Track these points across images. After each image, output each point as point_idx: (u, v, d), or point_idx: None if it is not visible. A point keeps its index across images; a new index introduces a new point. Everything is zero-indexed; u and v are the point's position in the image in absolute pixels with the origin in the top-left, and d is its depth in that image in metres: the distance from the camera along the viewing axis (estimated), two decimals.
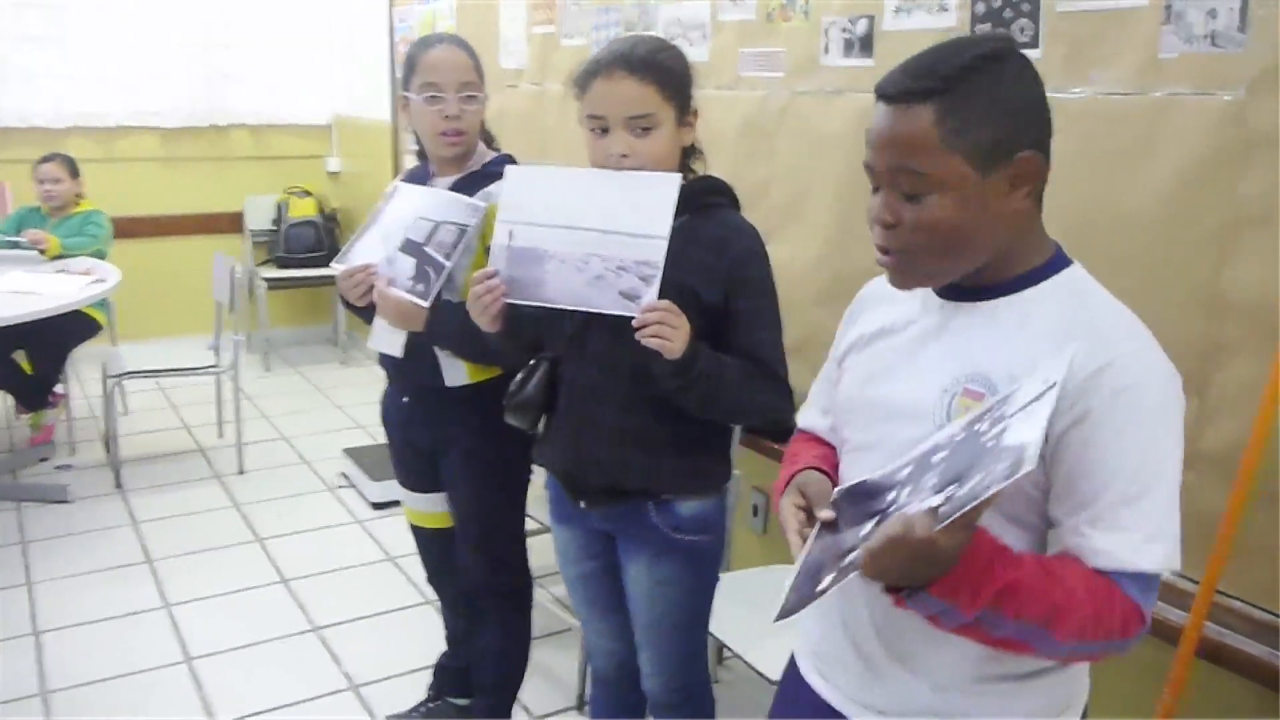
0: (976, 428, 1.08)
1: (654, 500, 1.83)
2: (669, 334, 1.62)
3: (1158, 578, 1.12)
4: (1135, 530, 1.09)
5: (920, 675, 1.23)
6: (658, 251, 1.64)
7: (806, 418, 1.51)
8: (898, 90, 1.14)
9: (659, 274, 1.64)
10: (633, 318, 1.64)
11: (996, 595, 1.05)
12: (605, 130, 1.72)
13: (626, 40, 1.77)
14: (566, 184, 1.78)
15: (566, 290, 1.72)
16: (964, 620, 1.07)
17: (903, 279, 1.22)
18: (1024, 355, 1.14)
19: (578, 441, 1.84)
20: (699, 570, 1.90)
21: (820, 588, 1.11)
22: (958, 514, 0.98)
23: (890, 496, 1.13)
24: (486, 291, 1.78)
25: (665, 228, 1.64)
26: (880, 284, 1.40)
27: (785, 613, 1.13)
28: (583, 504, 1.90)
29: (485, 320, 1.81)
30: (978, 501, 0.97)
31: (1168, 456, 1.11)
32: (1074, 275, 1.21)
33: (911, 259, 1.17)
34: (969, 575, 1.04)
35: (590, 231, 1.70)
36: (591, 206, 1.71)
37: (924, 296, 1.28)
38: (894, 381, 1.26)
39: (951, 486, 1.03)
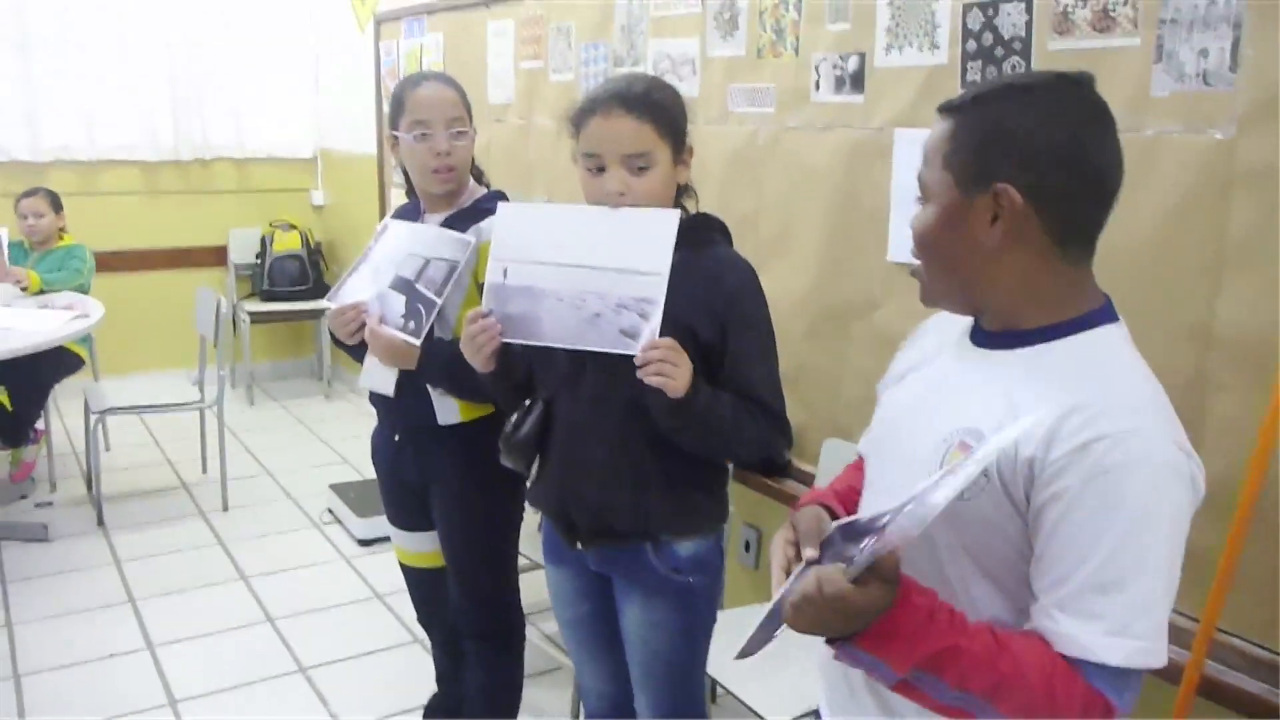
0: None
1: (651, 542, 1.81)
2: (671, 371, 1.61)
3: (1135, 674, 1.06)
4: (1101, 620, 1.04)
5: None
6: (658, 288, 1.63)
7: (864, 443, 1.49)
8: (944, 105, 1.18)
9: (660, 310, 1.63)
10: (633, 355, 1.63)
11: (932, 658, 1.03)
12: (601, 169, 1.71)
13: (623, 78, 1.77)
14: (561, 221, 1.77)
15: (564, 329, 1.71)
16: (895, 678, 1.06)
17: (920, 292, 1.24)
18: (1014, 416, 1.09)
19: (567, 482, 1.83)
20: (694, 611, 1.88)
21: (776, 631, 1.10)
22: (861, 568, 1.00)
23: (865, 541, 1.11)
24: (481, 331, 1.76)
25: (665, 264, 1.63)
26: (935, 319, 1.37)
27: (744, 653, 1.14)
28: (579, 546, 1.87)
29: (480, 360, 1.79)
30: (874, 558, 0.99)
31: (1149, 551, 1.04)
32: (1102, 334, 1.16)
33: (920, 271, 1.21)
34: (900, 632, 1.03)
35: (587, 269, 1.69)
36: (588, 243, 1.70)
37: (959, 337, 1.26)
38: (905, 427, 1.25)
39: (869, 539, 1.03)
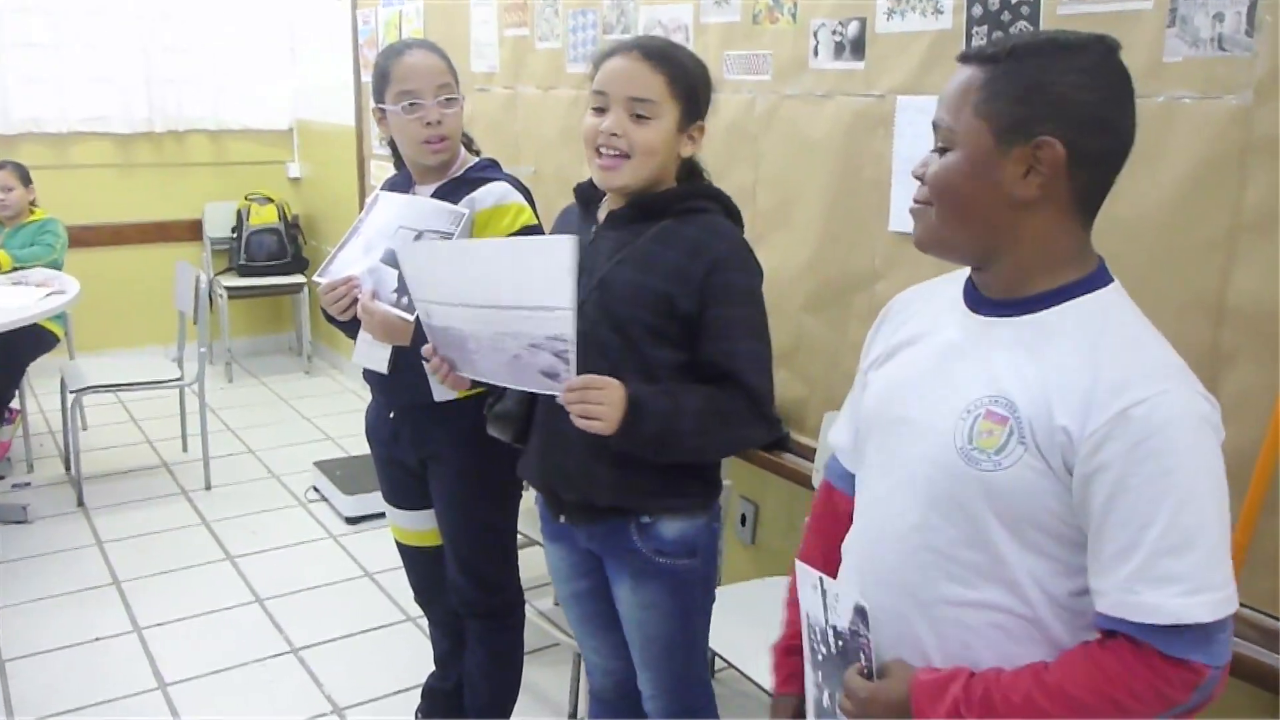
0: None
1: (634, 521, 1.77)
2: (596, 412, 1.55)
3: (1223, 624, 1.07)
4: (1181, 582, 1.04)
5: None
6: (566, 324, 1.49)
7: (834, 433, 1.47)
8: (970, 53, 1.16)
9: (573, 349, 1.51)
10: (610, 331, 1.61)
11: None
12: (604, 110, 1.67)
13: (654, 35, 1.74)
14: (461, 259, 1.67)
15: (495, 370, 1.64)
16: None
17: (919, 235, 1.22)
18: (1042, 383, 1.11)
19: (549, 454, 1.79)
20: (685, 595, 1.83)
21: None
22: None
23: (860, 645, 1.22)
24: (435, 371, 1.75)
25: (566, 297, 1.47)
26: (908, 295, 1.38)
27: None
28: (563, 519, 1.84)
29: (450, 384, 1.79)
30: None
31: (1207, 504, 1.06)
32: (1107, 297, 1.17)
33: (925, 215, 1.19)
34: None
35: (495, 309, 1.57)
36: (489, 281, 1.57)
37: (953, 308, 1.25)
38: (916, 399, 1.22)
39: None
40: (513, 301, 1.54)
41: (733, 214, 1.79)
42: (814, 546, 1.45)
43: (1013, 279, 1.17)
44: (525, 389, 1.62)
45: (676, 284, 1.66)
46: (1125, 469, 1.05)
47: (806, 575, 1.27)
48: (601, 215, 1.78)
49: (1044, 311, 1.15)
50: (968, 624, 1.16)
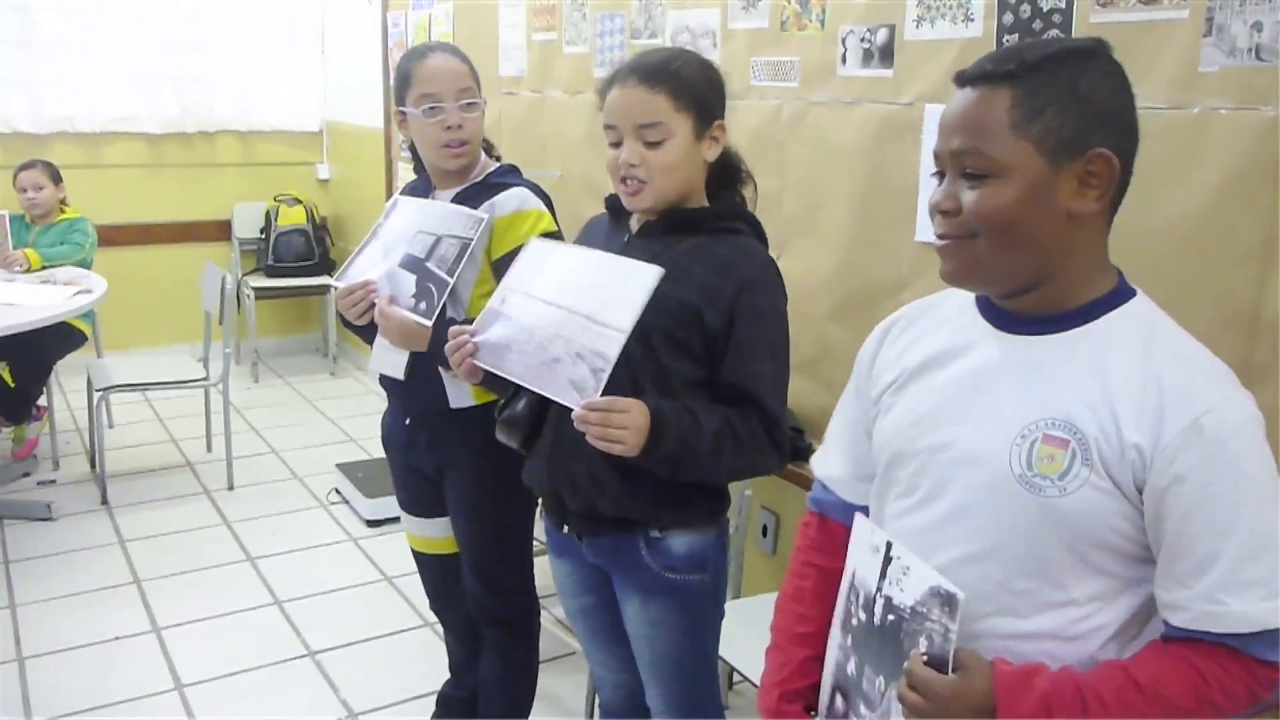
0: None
1: (643, 536, 1.74)
2: (616, 435, 1.54)
3: None
4: (1264, 586, 1.03)
5: None
6: (614, 344, 1.51)
7: (824, 464, 1.42)
8: (977, 73, 1.11)
9: (608, 370, 1.51)
10: (632, 340, 1.57)
11: None
12: (619, 143, 1.67)
13: (648, 50, 1.73)
14: (571, 261, 1.70)
15: (523, 367, 1.64)
16: None
17: (954, 268, 1.15)
18: (1105, 400, 1.08)
19: (557, 460, 1.76)
20: (694, 611, 1.81)
21: None
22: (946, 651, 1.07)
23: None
24: (456, 348, 1.73)
25: (628, 321, 1.51)
26: (911, 312, 1.33)
27: None
28: (566, 529, 1.82)
29: (462, 373, 1.76)
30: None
31: (1275, 501, 1.06)
32: (1142, 308, 1.14)
33: (967, 249, 1.12)
34: None
35: (565, 311, 1.60)
36: (577, 284, 1.61)
37: (974, 325, 1.21)
38: (956, 424, 1.17)
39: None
40: (583, 310, 1.57)
41: (761, 238, 1.77)
42: (807, 580, 1.39)
43: (1056, 296, 1.13)
44: (545, 393, 1.60)
45: (706, 299, 1.65)
46: (1203, 479, 1.04)
47: (870, 535, 1.21)
48: (634, 225, 1.77)
49: (1087, 325, 1.12)
50: (1018, 653, 1.12)
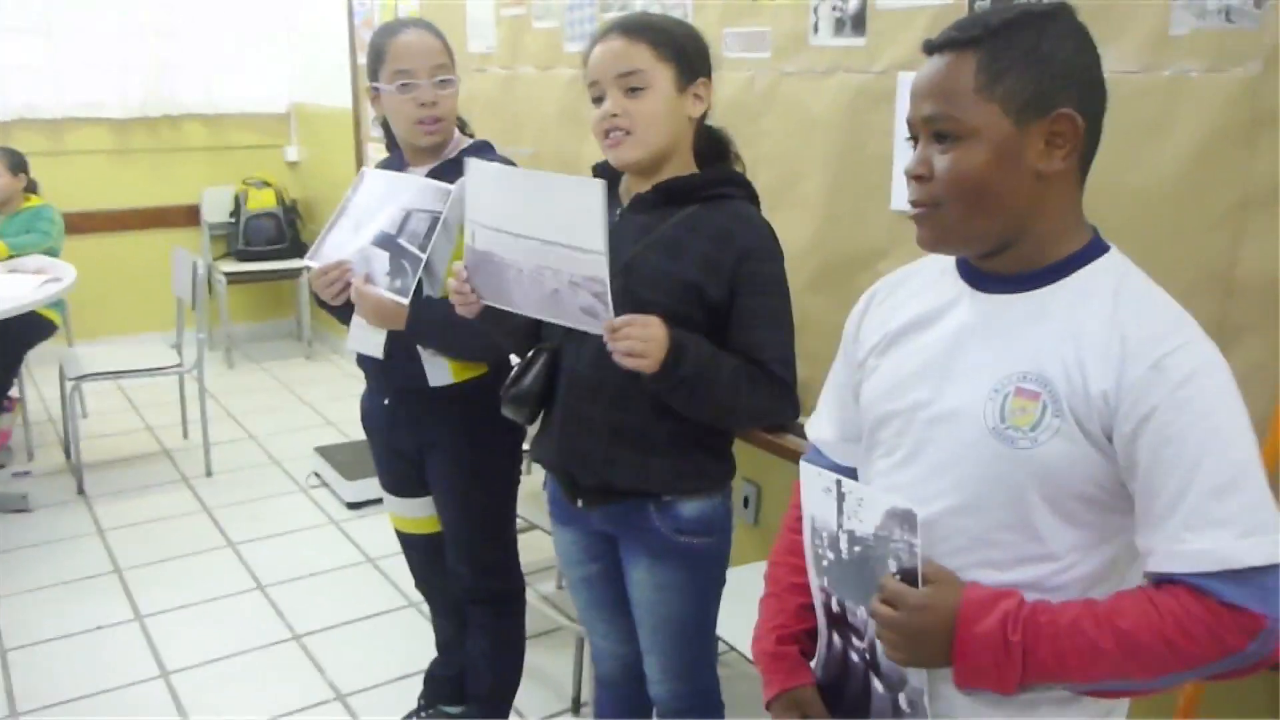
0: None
1: (654, 501, 1.76)
2: (639, 349, 1.53)
3: (1273, 573, 1.03)
4: (1231, 525, 1.03)
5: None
6: (599, 267, 1.48)
7: (816, 428, 1.45)
8: (943, 40, 1.14)
9: (608, 290, 1.50)
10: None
11: (1034, 677, 1.08)
12: (602, 99, 1.67)
13: (632, 13, 1.73)
14: (513, 185, 1.63)
15: (532, 301, 1.61)
16: (1011, 695, 1.11)
17: (930, 235, 1.18)
18: (1075, 352, 1.10)
19: (569, 436, 1.77)
20: (702, 573, 1.84)
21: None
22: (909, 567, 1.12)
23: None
24: (459, 295, 1.70)
25: (598, 240, 1.46)
26: (895, 278, 1.35)
27: None
28: (580, 503, 1.82)
29: (469, 314, 1.73)
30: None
31: (1246, 445, 1.06)
32: (1115, 261, 1.16)
33: (941, 214, 1.15)
34: (985, 671, 1.10)
35: (534, 241, 1.56)
36: (535, 212, 1.56)
37: (954, 287, 1.23)
38: (935, 383, 1.20)
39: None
40: (553, 237, 1.53)
41: (754, 200, 1.77)
42: (800, 535, 1.41)
43: (1030, 255, 1.16)
44: (565, 323, 1.59)
45: (706, 273, 1.65)
46: (1166, 417, 1.05)
47: (818, 478, 1.23)
48: (625, 198, 1.76)
49: (1061, 281, 1.15)
50: None
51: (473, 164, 1.67)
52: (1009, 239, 1.15)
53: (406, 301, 1.96)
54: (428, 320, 1.99)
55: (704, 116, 1.75)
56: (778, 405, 1.71)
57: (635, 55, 1.64)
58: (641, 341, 1.53)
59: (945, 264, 1.26)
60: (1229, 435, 1.05)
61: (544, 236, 1.54)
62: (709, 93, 1.71)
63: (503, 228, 1.60)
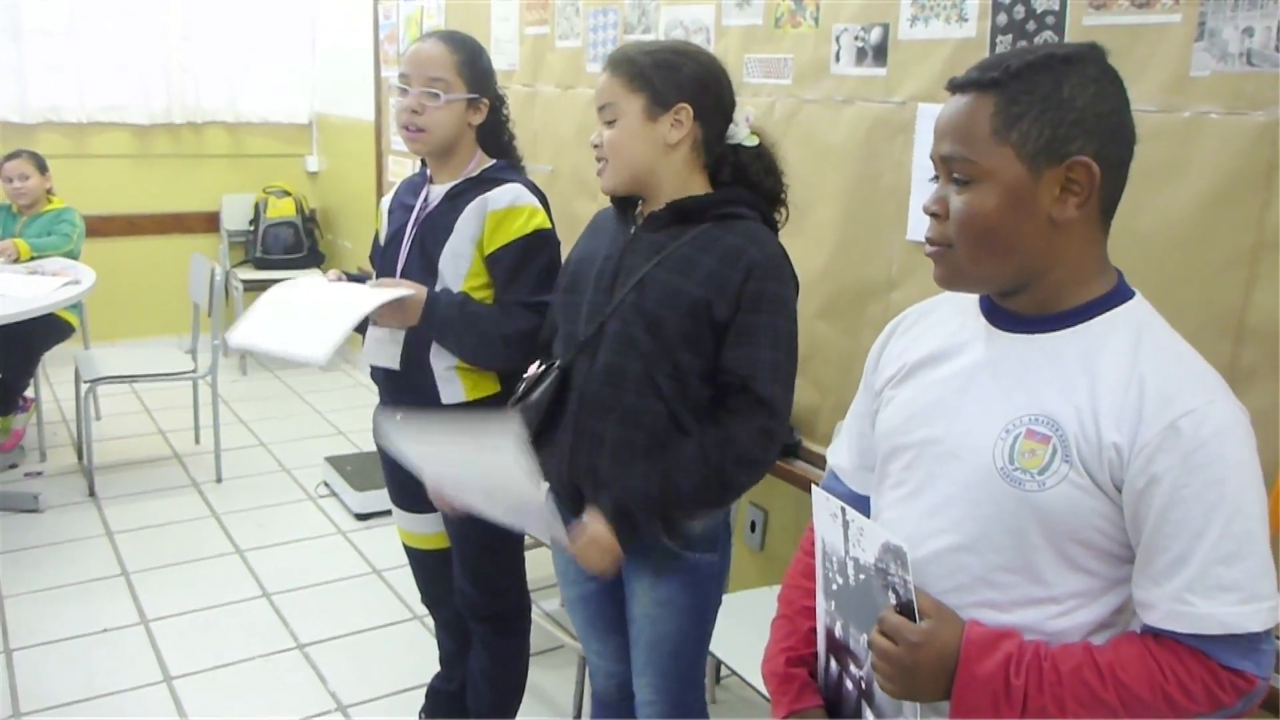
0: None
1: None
2: (596, 564, 1.71)
3: (1266, 636, 1.07)
4: (1234, 591, 1.04)
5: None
6: (536, 495, 1.67)
7: (835, 454, 1.45)
8: (965, 80, 1.13)
9: (542, 499, 1.68)
10: (640, 342, 1.70)
11: (1031, 713, 1.08)
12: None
13: (630, 43, 1.81)
14: (436, 437, 1.79)
15: (500, 514, 1.81)
16: None
17: (944, 274, 1.18)
18: (1090, 400, 1.09)
19: (577, 453, 1.77)
20: (703, 589, 1.84)
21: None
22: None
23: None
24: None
25: (523, 477, 1.62)
26: (921, 308, 1.35)
27: None
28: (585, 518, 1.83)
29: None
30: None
31: (1256, 513, 1.06)
32: (1137, 310, 1.15)
33: (953, 254, 1.15)
34: (983, 709, 1.08)
35: (475, 479, 1.78)
36: (463, 456, 1.75)
37: (974, 324, 1.23)
38: (946, 419, 1.19)
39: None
40: (487, 478, 1.72)
41: (770, 222, 1.77)
42: (814, 558, 1.43)
43: (1048, 298, 1.15)
44: (531, 531, 1.84)
45: (714, 290, 1.65)
46: (1178, 480, 1.04)
47: (826, 503, 1.24)
48: (640, 217, 1.78)
49: (1080, 326, 1.14)
50: None
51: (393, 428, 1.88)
52: (1024, 282, 1.15)
53: (423, 289, 2.00)
54: (446, 304, 2.02)
55: (719, 139, 1.75)
56: (749, 476, 1.72)
57: (609, 88, 1.71)
58: (596, 561, 1.71)
59: (969, 299, 1.26)
60: (1239, 503, 1.05)
61: (479, 477, 1.74)
62: (690, 120, 1.70)
63: (443, 473, 1.83)
